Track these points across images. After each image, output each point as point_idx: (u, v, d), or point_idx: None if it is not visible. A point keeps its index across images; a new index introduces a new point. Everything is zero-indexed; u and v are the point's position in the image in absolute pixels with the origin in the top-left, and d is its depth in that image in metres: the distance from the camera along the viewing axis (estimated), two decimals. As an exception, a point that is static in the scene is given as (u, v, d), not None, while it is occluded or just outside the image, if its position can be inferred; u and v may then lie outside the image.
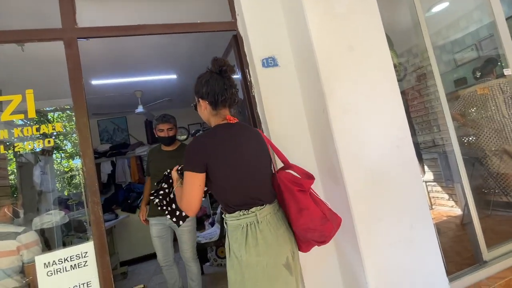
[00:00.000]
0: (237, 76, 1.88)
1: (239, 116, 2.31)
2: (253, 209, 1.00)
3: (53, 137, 1.45)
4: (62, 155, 4.24)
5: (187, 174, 1.01)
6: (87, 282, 1.28)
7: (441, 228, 2.59)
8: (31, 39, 1.39)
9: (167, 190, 1.36)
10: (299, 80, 1.57)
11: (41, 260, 1.25)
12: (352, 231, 1.27)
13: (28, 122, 1.55)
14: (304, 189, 1.02)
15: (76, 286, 1.27)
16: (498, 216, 2.53)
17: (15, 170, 3.00)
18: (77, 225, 2.60)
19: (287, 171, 1.12)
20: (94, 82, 3.25)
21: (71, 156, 4.39)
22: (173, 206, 1.36)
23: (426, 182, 3.41)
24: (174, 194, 1.30)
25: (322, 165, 1.48)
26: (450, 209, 3.15)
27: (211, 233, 2.92)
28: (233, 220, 1.01)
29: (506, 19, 2.16)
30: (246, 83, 1.67)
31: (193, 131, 4.89)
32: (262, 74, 1.55)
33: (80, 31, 1.44)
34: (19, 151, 2.99)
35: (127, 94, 3.92)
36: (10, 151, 2.80)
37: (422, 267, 1.32)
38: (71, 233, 2.87)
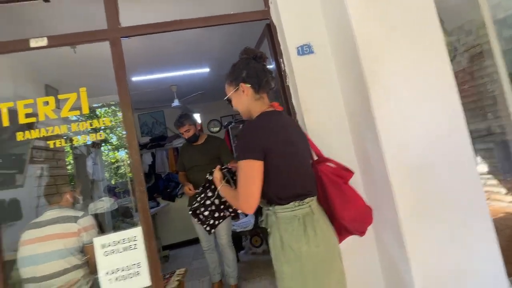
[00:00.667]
0: (270, 66, 1.86)
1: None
2: (307, 199, 0.97)
3: (102, 131, 1.58)
4: (109, 147, 4.63)
5: (245, 164, 0.92)
6: (137, 263, 1.40)
7: (498, 226, 2.34)
8: (82, 41, 1.52)
9: (213, 200, 1.32)
10: (336, 67, 1.50)
11: (98, 241, 1.40)
12: (396, 226, 1.21)
13: (80, 118, 1.70)
14: (347, 182, 1.00)
15: (128, 266, 1.39)
16: None
17: (72, 161, 3.36)
18: (124, 211, 2.84)
19: (326, 163, 1.09)
20: (134, 78, 3.45)
21: (116, 148, 4.78)
22: (206, 213, 1.36)
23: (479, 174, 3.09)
24: (211, 201, 1.28)
25: (362, 157, 1.41)
26: (508, 204, 2.83)
27: (245, 222, 3.00)
28: (286, 212, 0.96)
29: None
30: (280, 73, 1.64)
31: (226, 123, 4.99)
32: (297, 62, 1.51)
33: (123, 30, 1.53)
34: (74, 144, 3.33)
35: (163, 88, 4.11)
36: (68, 144, 3.14)
37: (478, 268, 1.21)
38: (120, 218, 3.15)
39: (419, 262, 1.18)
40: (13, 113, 1.46)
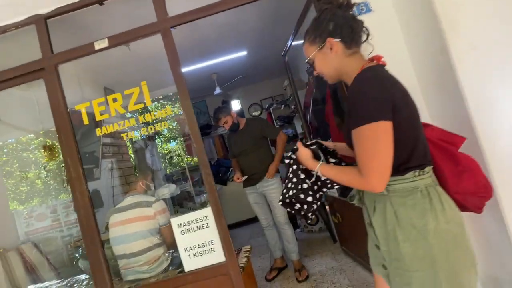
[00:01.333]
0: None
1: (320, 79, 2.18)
2: (427, 168, 0.82)
3: (157, 123, 1.66)
4: (162, 139, 4.97)
5: (375, 127, 0.74)
6: (211, 240, 1.50)
7: None
8: (137, 37, 1.59)
9: (312, 181, 1.03)
10: (400, 24, 1.33)
11: (175, 221, 1.52)
12: (497, 208, 1.07)
13: (131, 114, 1.81)
14: (458, 148, 0.86)
15: (203, 243, 1.50)
16: None
17: (133, 155, 3.69)
18: (186, 196, 3.06)
19: (430, 127, 0.93)
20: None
21: (168, 140, 5.11)
22: (309, 199, 1.04)
23: None
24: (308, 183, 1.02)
25: (441, 122, 1.26)
26: None
27: (299, 201, 3.00)
28: (404, 183, 0.81)
29: None
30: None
31: (267, 105, 4.96)
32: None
33: (172, 20, 1.56)
34: (133, 138, 3.64)
35: (204, 78, 4.21)
36: (136, 137, 3.45)
37: None
38: (181, 202, 3.41)
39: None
40: (88, 114, 1.62)
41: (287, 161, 1.08)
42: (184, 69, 3.61)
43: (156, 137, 4.51)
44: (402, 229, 0.80)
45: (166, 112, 1.62)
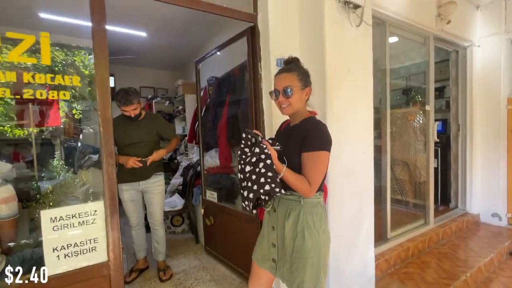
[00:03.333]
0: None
1: (244, 108, 2.44)
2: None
3: None
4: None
5: (324, 155, 1.12)
6: (94, 238, 1.32)
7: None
8: None
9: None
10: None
11: (47, 214, 1.23)
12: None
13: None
14: None
15: (83, 241, 1.30)
16: (396, 209, 3.49)
17: None
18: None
19: None
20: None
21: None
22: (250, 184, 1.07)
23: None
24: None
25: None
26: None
27: (173, 202, 3.02)
28: (314, 199, 1.19)
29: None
30: (256, 75, 1.85)
31: (149, 96, 4.60)
32: (274, 72, 1.76)
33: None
34: None
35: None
36: None
37: (360, 236, 1.88)
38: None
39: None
40: None
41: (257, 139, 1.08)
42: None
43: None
44: (308, 230, 1.17)
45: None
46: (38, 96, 1.24)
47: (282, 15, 1.78)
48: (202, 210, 2.65)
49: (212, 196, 2.53)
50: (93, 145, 3.29)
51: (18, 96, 1.25)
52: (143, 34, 3.54)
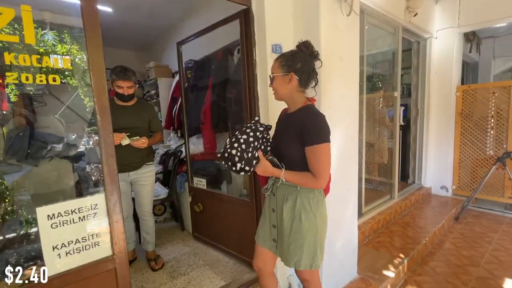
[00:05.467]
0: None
1: (237, 93, 2.38)
2: None
3: None
4: None
5: (326, 146, 1.12)
6: (96, 234, 1.25)
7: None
8: None
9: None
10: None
11: (44, 211, 1.12)
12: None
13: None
14: None
15: (85, 237, 1.22)
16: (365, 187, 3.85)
17: None
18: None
19: None
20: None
21: None
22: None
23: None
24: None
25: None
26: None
27: (157, 191, 2.91)
28: None
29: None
30: (251, 61, 1.83)
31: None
32: (270, 59, 1.77)
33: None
34: None
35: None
36: None
37: (347, 211, 2.07)
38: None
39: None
40: None
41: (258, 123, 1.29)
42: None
43: None
44: (305, 213, 1.23)
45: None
46: None
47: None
48: (190, 198, 2.62)
49: (200, 183, 2.50)
50: (54, 134, 2.99)
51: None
52: (108, 9, 3.19)
